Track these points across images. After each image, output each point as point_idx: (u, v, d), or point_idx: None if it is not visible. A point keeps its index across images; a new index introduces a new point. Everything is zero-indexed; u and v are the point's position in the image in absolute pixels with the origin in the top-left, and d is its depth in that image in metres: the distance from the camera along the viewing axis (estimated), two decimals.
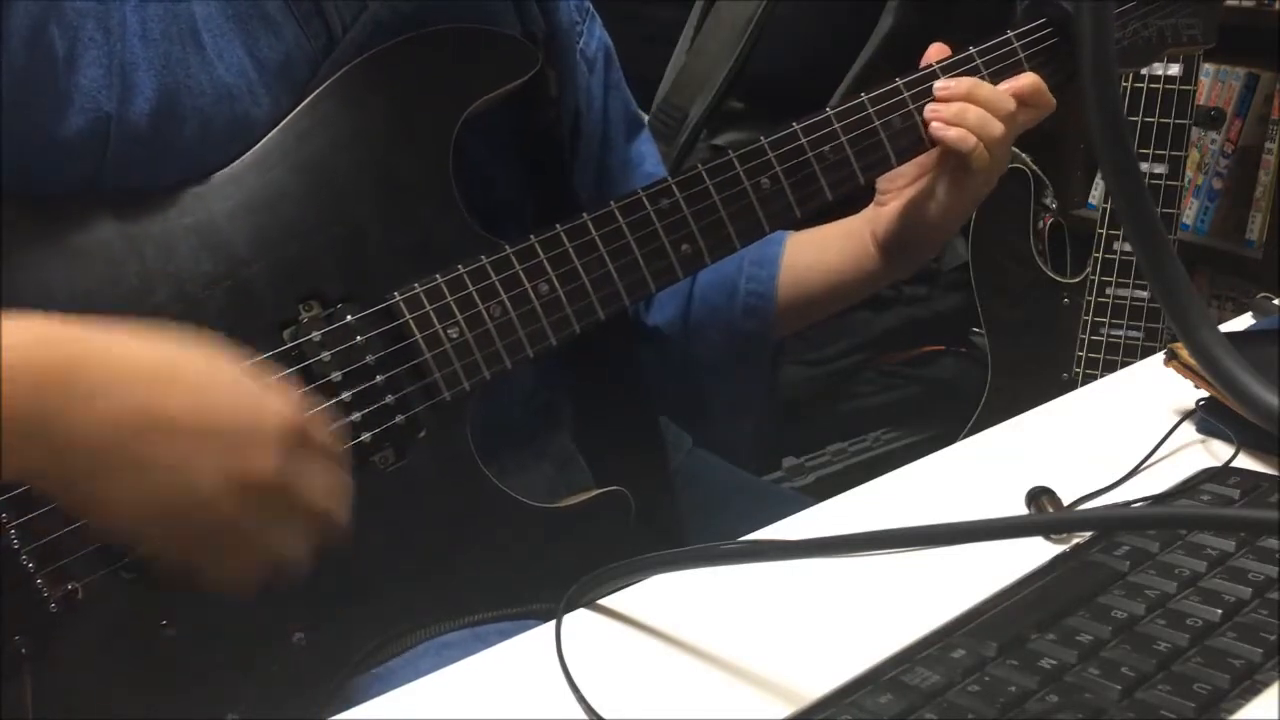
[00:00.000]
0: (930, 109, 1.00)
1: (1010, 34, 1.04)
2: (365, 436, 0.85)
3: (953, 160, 1.01)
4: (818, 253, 1.12)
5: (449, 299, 0.87)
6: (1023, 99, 1.01)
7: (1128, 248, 1.73)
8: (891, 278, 1.12)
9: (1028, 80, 1.02)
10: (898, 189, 1.06)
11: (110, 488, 0.70)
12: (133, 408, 0.70)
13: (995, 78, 1.03)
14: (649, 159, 1.13)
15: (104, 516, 0.72)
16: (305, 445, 0.74)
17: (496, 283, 0.88)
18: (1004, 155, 1.02)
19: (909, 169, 1.04)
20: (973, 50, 1.04)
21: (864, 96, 1.00)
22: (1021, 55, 1.04)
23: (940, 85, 1.01)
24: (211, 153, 0.84)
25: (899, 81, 1.01)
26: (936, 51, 1.04)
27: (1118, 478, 0.81)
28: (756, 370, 1.16)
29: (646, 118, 2.01)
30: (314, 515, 0.75)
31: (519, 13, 0.99)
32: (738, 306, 1.12)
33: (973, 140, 0.99)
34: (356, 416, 0.84)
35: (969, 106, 1.00)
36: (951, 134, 0.99)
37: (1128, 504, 0.78)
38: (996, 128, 0.99)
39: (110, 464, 0.69)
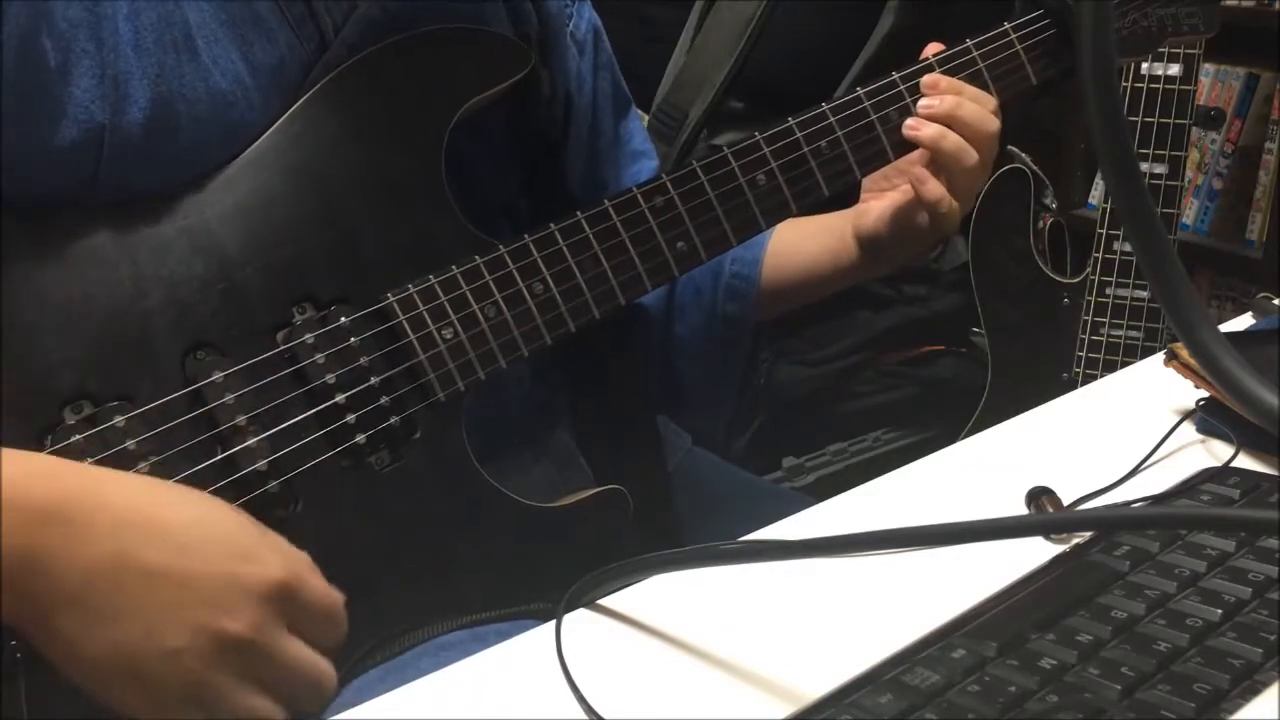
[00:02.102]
0: (908, 124, 1.00)
1: (1008, 26, 1.04)
2: (360, 438, 0.85)
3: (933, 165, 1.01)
4: (800, 242, 1.12)
5: (443, 299, 0.87)
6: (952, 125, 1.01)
7: (1128, 248, 1.73)
8: (870, 274, 1.12)
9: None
10: (880, 190, 1.05)
11: (82, 634, 0.69)
12: (112, 554, 0.69)
13: (992, 70, 1.03)
14: (636, 136, 1.13)
15: (73, 663, 0.70)
16: (294, 606, 0.72)
17: (490, 283, 0.88)
18: (985, 165, 1.02)
19: (892, 170, 1.04)
20: (970, 43, 1.03)
21: (860, 91, 1.00)
22: (1019, 48, 1.04)
23: (924, 104, 1.00)
24: (206, 159, 0.84)
25: (895, 75, 1.01)
26: (934, 50, 1.03)
27: (1118, 478, 0.81)
28: (733, 354, 1.16)
29: (646, 120, 2.01)
30: (290, 675, 0.72)
31: (510, 12, 0.98)
32: (721, 287, 1.12)
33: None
34: (351, 418, 0.84)
35: (952, 119, 1.00)
36: (926, 134, 1.00)
37: (1128, 504, 0.78)
38: (977, 135, 1.00)
39: (84, 610, 0.68)
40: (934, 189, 1.00)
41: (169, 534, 0.71)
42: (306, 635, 0.73)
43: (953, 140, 0.99)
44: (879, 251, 1.07)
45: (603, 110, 1.09)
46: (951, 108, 0.99)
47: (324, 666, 0.74)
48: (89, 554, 0.68)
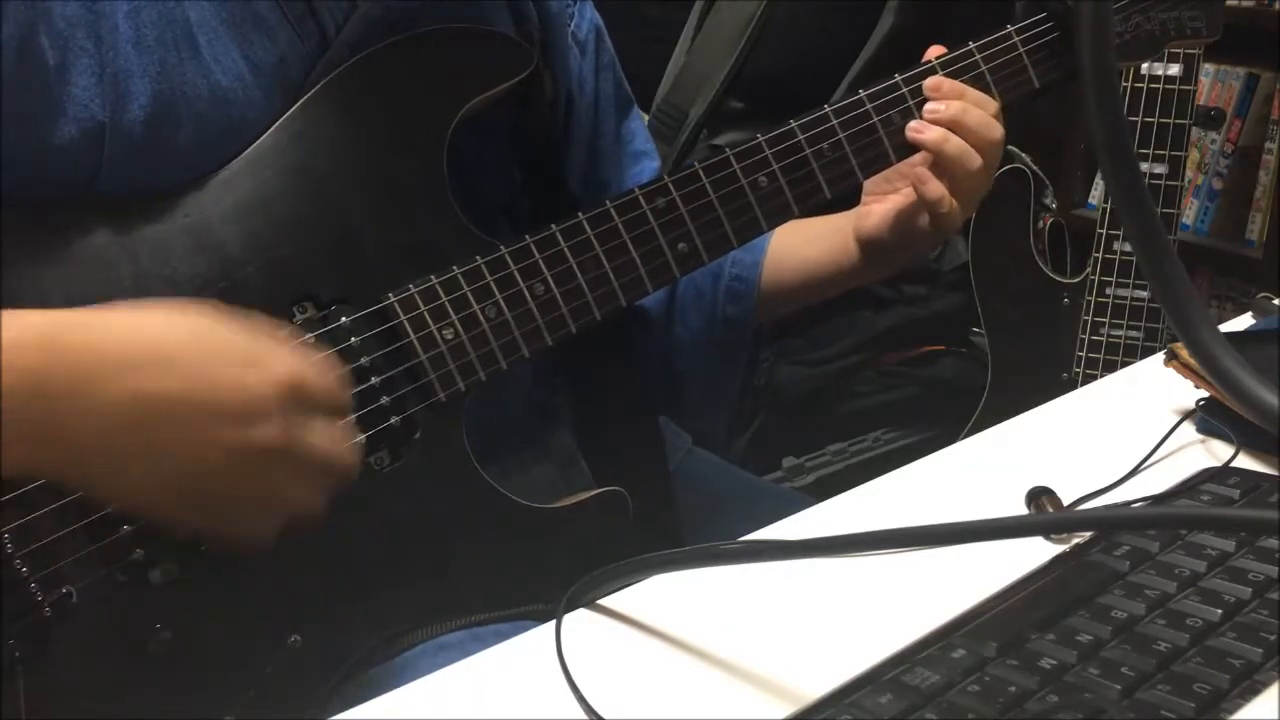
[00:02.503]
0: (912, 127, 1.00)
1: (1010, 29, 1.04)
2: (360, 438, 0.84)
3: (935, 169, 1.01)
4: (801, 244, 1.12)
5: (444, 300, 0.87)
6: (957, 131, 1.00)
7: (1128, 248, 1.73)
8: (871, 277, 1.12)
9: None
10: (882, 193, 1.05)
11: (119, 475, 0.73)
12: (128, 397, 0.71)
13: (994, 73, 1.03)
14: (638, 136, 1.12)
15: (118, 499, 0.75)
16: (305, 398, 0.76)
17: (491, 283, 0.88)
18: (989, 170, 1.02)
19: (894, 173, 1.03)
20: (972, 45, 1.03)
21: (862, 93, 0.99)
22: (1022, 50, 1.04)
23: (929, 108, 1.00)
24: (207, 157, 0.84)
25: (898, 78, 1.01)
26: (935, 52, 1.03)
27: (1118, 478, 0.81)
28: (734, 356, 1.16)
29: (646, 120, 2.01)
30: (324, 465, 0.77)
31: (513, 11, 0.98)
32: (721, 289, 1.12)
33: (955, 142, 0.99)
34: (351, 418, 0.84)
35: (956, 125, 1.00)
36: (929, 137, 0.99)
37: (1128, 504, 0.78)
38: (981, 142, 1.00)
39: (115, 454, 0.72)
40: (935, 189, 0.99)
41: (173, 362, 0.73)
42: (321, 418, 0.77)
43: (956, 144, 0.99)
44: (880, 254, 1.07)
45: (604, 110, 1.09)
46: (957, 113, 0.99)
47: (346, 442, 0.79)
48: (103, 405, 0.71)
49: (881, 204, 1.05)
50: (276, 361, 0.76)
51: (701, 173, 0.94)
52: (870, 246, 1.07)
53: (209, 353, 0.74)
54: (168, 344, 0.74)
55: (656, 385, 1.15)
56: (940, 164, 1.00)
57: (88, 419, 0.70)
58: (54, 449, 0.71)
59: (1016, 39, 1.04)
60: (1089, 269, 1.79)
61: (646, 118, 2.00)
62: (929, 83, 1.00)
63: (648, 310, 1.13)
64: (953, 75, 1.02)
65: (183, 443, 0.73)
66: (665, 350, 1.14)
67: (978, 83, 1.02)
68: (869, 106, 0.99)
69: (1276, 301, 1.08)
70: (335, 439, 0.78)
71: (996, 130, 1.01)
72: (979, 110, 1.00)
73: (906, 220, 1.04)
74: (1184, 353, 0.87)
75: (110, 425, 0.71)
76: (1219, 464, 0.81)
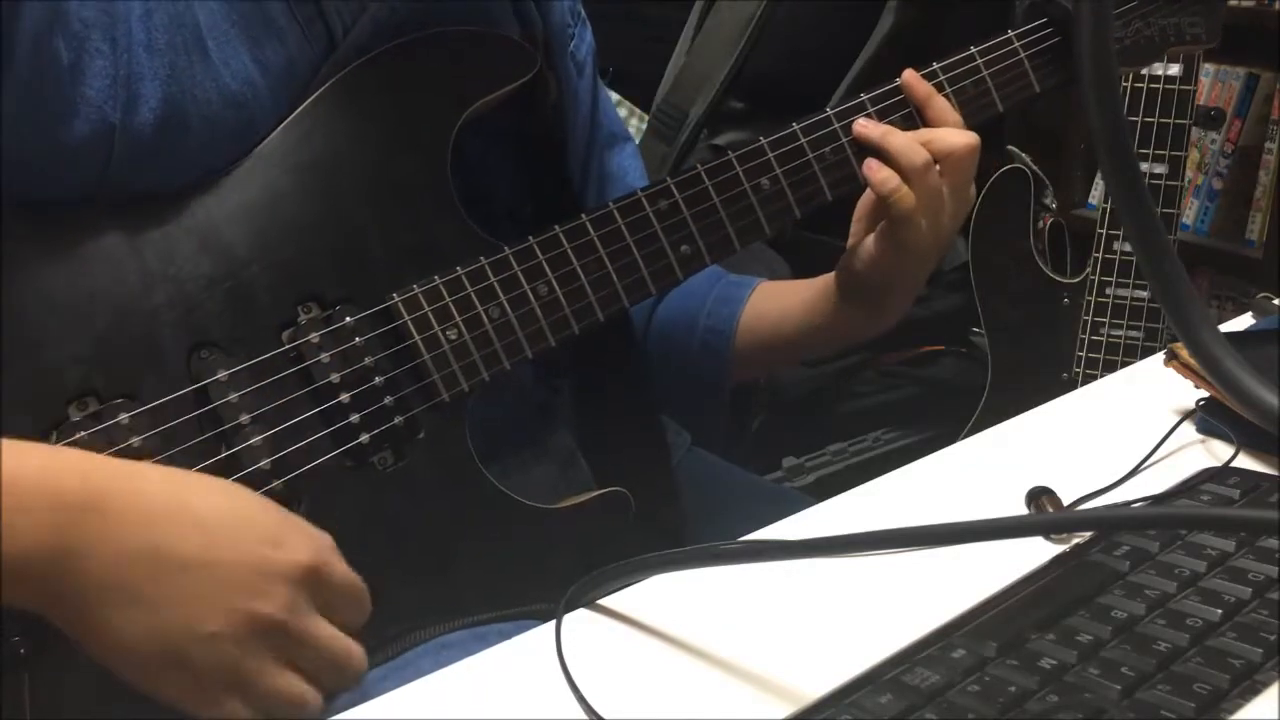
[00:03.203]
0: (859, 123, 0.99)
1: (1011, 34, 1.04)
2: (364, 438, 0.85)
3: (883, 207, 0.98)
4: (785, 298, 1.10)
5: (448, 300, 0.87)
6: (936, 154, 0.97)
7: (1128, 248, 1.73)
8: (851, 333, 1.09)
9: (941, 135, 0.99)
10: (855, 233, 1.03)
11: (120, 623, 0.70)
12: (146, 544, 0.71)
13: (996, 78, 1.03)
14: (632, 172, 1.11)
15: (108, 651, 0.71)
16: (322, 589, 0.74)
17: (495, 284, 0.88)
18: (937, 211, 0.98)
19: (867, 212, 1.02)
20: (974, 50, 1.03)
21: (864, 97, 1.00)
22: (1023, 55, 1.04)
23: (858, 125, 0.98)
24: (216, 159, 0.84)
25: (900, 81, 1.01)
26: (911, 75, 1.01)
27: (1118, 478, 0.81)
28: (704, 413, 1.15)
29: (646, 120, 2.01)
30: (323, 656, 0.74)
31: (518, 15, 0.99)
32: (695, 342, 1.11)
33: (895, 183, 0.96)
34: (355, 418, 0.84)
35: (886, 141, 0.97)
36: (880, 176, 0.97)
37: (1128, 504, 0.78)
38: (914, 179, 0.96)
39: (119, 600, 0.70)
40: (888, 177, 0.96)
41: (200, 523, 0.72)
42: (334, 616, 0.75)
43: (900, 137, 0.97)
44: (854, 298, 1.04)
45: (599, 135, 1.09)
46: (883, 133, 0.97)
47: (353, 645, 0.76)
48: (123, 545, 0.70)
49: (853, 242, 1.03)
50: (302, 546, 0.74)
51: (704, 175, 0.95)
52: (845, 293, 1.04)
53: (238, 525, 0.74)
54: (201, 507, 0.73)
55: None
56: (896, 163, 0.97)
57: (103, 560, 0.70)
58: (58, 580, 0.70)
59: (1017, 44, 1.04)
60: (1089, 269, 1.79)
61: (647, 119, 2.01)
62: (858, 123, 0.98)
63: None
64: (955, 79, 1.02)
65: (186, 600, 0.71)
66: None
67: (978, 87, 1.02)
68: (872, 110, 0.99)
69: (1276, 301, 1.08)
70: (346, 641, 0.75)
71: (920, 154, 0.97)
72: (903, 135, 0.98)
73: (867, 257, 1.01)
74: (1184, 353, 0.87)
75: (121, 571, 0.70)
76: (1219, 464, 0.81)
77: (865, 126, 0.98)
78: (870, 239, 1.01)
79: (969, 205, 1.02)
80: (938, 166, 0.97)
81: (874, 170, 0.97)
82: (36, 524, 0.69)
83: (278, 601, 0.72)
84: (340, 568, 0.76)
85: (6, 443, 0.70)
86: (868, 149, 0.98)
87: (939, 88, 1.01)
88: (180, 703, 0.72)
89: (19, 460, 0.70)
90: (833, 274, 1.06)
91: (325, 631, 0.74)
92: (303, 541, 0.75)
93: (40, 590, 0.70)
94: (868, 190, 1.00)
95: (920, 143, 0.97)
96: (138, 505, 0.72)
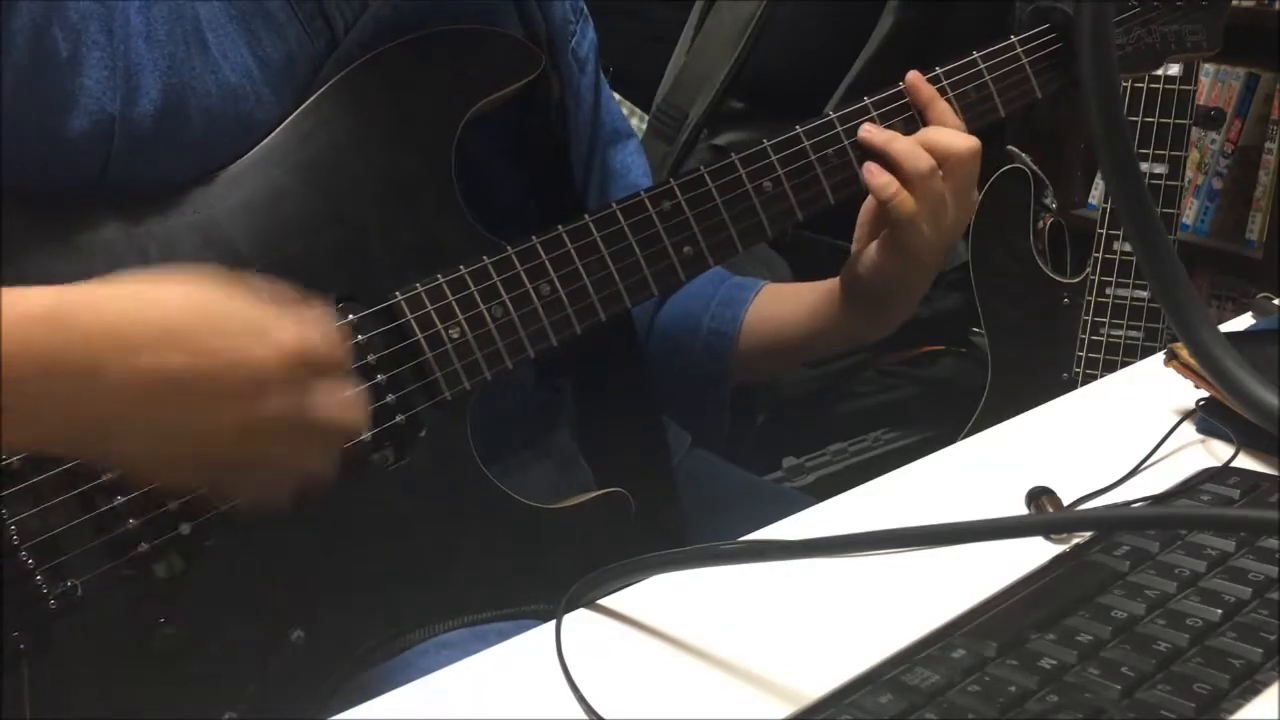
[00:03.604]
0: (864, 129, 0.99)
1: (1014, 39, 1.04)
2: (366, 435, 0.85)
3: (882, 211, 0.98)
4: (788, 301, 1.11)
5: (450, 299, 0.87)
6: (938, 157, 0.97)
7: (1128, 248, 1.73)
8: (854, 337, 1.09)
9: (941, 135, 0.99)
10: (859, 238, 1.03)
11: (130, 449, 0.74)
12: (136, 377, 0.71)
13: (998, 83, 1.03)
14: (634, 169, 1.12)
15: (130, 471, 0.76)
16: (311, 365, 0.76)
17: (498, 283, 0.88)
18: (939, 216, 0.98)
19: (870, 218, 1.02)
20: (976, 55, 1.03)
21: (867, 100, 1.00)
22: (1024, 60, 1.04)
23: (864, 131, 0.98)
24: (215, 153, 0.84)
25: (902, 84, 1.01)
26: (914, 77, 1.02)
27: (1118, 478, 0.81)
28: (707, 414, 1.15)
29: (646, 120, 2.01)
30: (334, 429, 0.77)
31: (521, 13, 0.99)
32: (699, 344, 1.11)
33: (895, 188, 0.96)
34: None
35: (890, 147, 0.97)
36: (879, 180, 0.97)
37: (1128, 504, 0.78)
38: (916, 184, 0.97)
39: (125, 431, 0.72)
40: (887, 182, 0.97)
41: (178, 338, 0.73)
42: (330, 392, 0.77)
43: (904, 143, 0.97)
44: (857, 302, 1.04)
45: (601, 132, 1.09)
46: (888, 139, 0.98)
47: (353, 404, 0.79)
48: (112, 385, 0.71)
49: (856, 247, 1.03)
50: (281, 331, 0.75)
51: (707, 176, 0.95)
52: (848, 296, 1.05)
53: (214, 327, 0.74)
54: (173, 320, 0.74)
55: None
56: (897, 170, 0.98)
57: (96, 398, 0.71)
58: (64, 427, 0.72)
59: (1019, 49, 1.04)
60: (1089, 269, 1.79)
61: (647, 119, 2.01)
62: (863, 130, 0.98)
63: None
64: (957, 84, 1.02)
65: (192, 418, 0.73)
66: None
67: (980, 92, 1.02)
68: (874, 114, 0.99)
69: (1276, 301, 1.08)
70: (343, 403, 0.78)
71: (924, 159, 0.97)
72: (906, 140, 0.98)
73: (869, 260, 1.01)
74: (1184, 353, 0.87)
75: (119, 404, 0.71)
76: (1219, 464, 0.81)
77: (870, 132, 0.98)
78: (873, 244, 1.01)
79: (971, 211, 1.02)
80: (940, 172, 0.97)
81: (874, 175, 0.97)
82: (25, 375, 0.69)
83: (279, 398, 0.74)
84: (321, 336, 0.77)
85: None
86: (870, 152, 0.98)
87: (941, 91, 1.01)
88: (215, 493, 0.78)
89: None
90: (836, 278, 1.06)
91: (327, 404, 0.76)
92: (281, 325, 0.75)
93: (46, 435, 0.72)
94: (870, 197, 1.00)
95: (922, 145, 0.97)
96: (114, 335, 0.72)
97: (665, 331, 1.13)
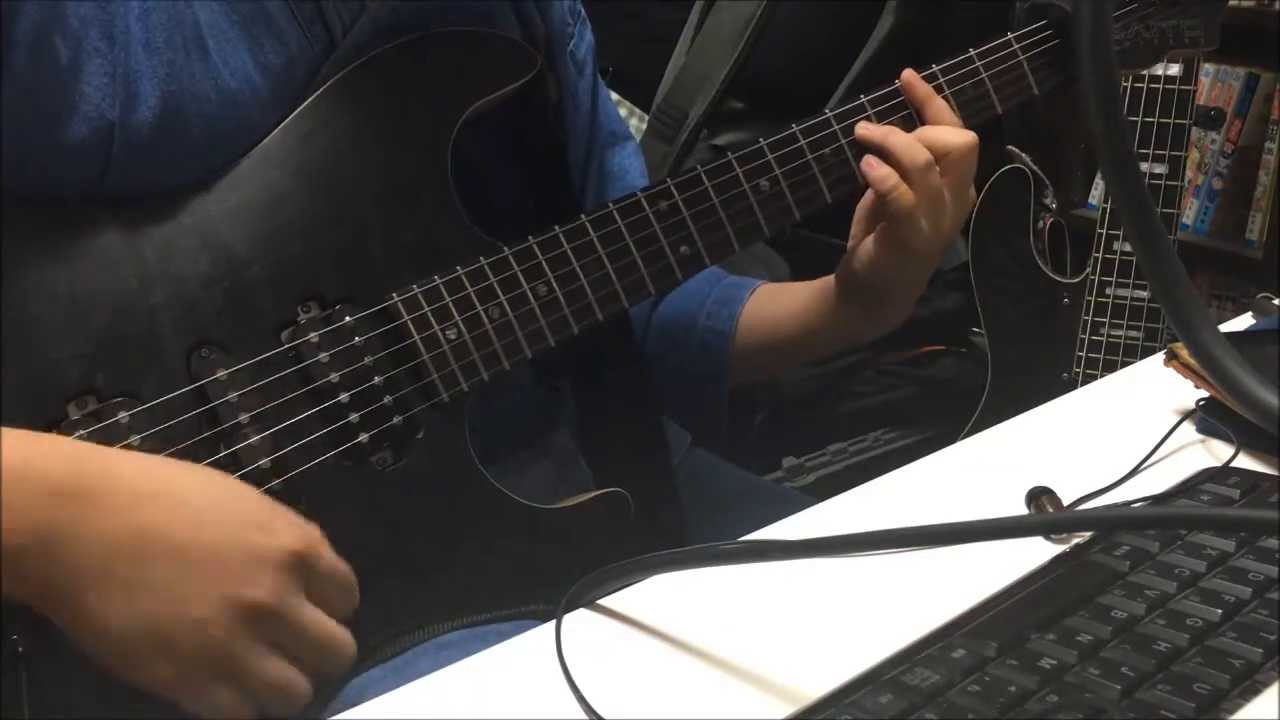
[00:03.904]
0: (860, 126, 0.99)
1: (1010, 36, 1.04)
2: (363, 437, 0.85)
3: (882, 206, 0.98)
4: (784, 300, 1.10)
5: (447, 300, 0.87)
6: (935, 152, 0.97)
7: (1128, 248, 1.73)
8: (851, 335, 1.09)
9: (938, 133, 0.98)
10: (855, 235, 1.03)
11: (107, 609, 0.70)
12: (132, 529, 0.71)
13: (995, 80, 1.03)
14: (632, 171, 1.11)
15: (98, 639, 0.71)
16: (310, 575, 0.75)
17: (495, 284, 0.88)
18: (937, 211, 0.98)
19: (867, 213, 1.02)
20: (973, 52, 1.03)
21: (864, 99, 1.00)
22: (1022, 58, 1.04)
23: (860, 128, 0.98)
24: (215, 157, 0.84)
25: (899, 83, 1.01)
26: (910, 75, 1.01)
27: (1118, 478, 0.81)
28: (703, 413, 1.14)
29: (646, 120, 2.01)
30: (312, 642, 0.75)
31: (518, 15, 0.99)
32: (695, 342, 1.11)
33: (894, 180, 0.96)
34: (354, 417, 0.84)
35: (887, 141, 0.97)
36: (878, 173, 0.97)
37: (1128, 504, 0.78)
38: (914, 178, 0.96)
39: (108, 585, 0.70)
40: (887, 174, 0.96)
41: (186, 507, 0.73)
42: (323, 603, 0.75)
43: (902, 139, 0.97)
44: (861, 293, 1.04)
45: (599, 135, 1.09)
46: (885, 134, 0.98)
47: (342, 632, 0.76)
48: (109, 530, 0.70)
49: (853, 244, 1.03)
50: (289, 532, 0.75)
51: (704, 175, 0.95)
52: (845, 293, 1.04)
53: (224, 510, 0.74)
54: (187, 492, 0.74)
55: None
56: (894, 160, 0.98)
57: (90, 542, 0.70)
58: (47, 565, 0.70)
59: (1016, 46, 1.04)
60: (1089, 269, 1.79)
61: (647, 119, 2.01)
62: (860, 127, 0.98)
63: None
64: (954, 81, 1.02)
65: (173, 584, 0.71)
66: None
67: (977, 89, 1.02)
68: (871, 112, 0.99)
69: (1276, 301, 1.08)
70: (333, 626, 0.76)
71: (921, 153, 0.97)
72: (904, 135, 0.98)
73: (866, 257, 1.01)
74: (1184, 353, 0.87)
75: (108, 554, 0.70)
76: (1219, 464, 0.81)
77: (867, 129, 0.98)
78: (870, 240, 1.01)
79: (969, 206, 1.02)
80: (938, 167, 0.97)
81: (873, 167, 0.97)
82: (24, 510, 0.69)
83: (266, 587, 0.72)
84: (328, 554, 0.76)
85: None
86: (867, 149, 0.98)
87: (938, 89, 1.01)
88: (168, 690, 0.72)
89: (7, 448, 0.70)
90: (833, 276, 1.06)
91: (313, 617, 0.75)
92: (290, 527, 0.75)
93: (29, 578, 0.70)
94: (868, 192, 1.00)
95: (920, 142, 0.97)
96: (122, 489, 0.72)
97: (662, 329, 1.13)
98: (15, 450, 0.71)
